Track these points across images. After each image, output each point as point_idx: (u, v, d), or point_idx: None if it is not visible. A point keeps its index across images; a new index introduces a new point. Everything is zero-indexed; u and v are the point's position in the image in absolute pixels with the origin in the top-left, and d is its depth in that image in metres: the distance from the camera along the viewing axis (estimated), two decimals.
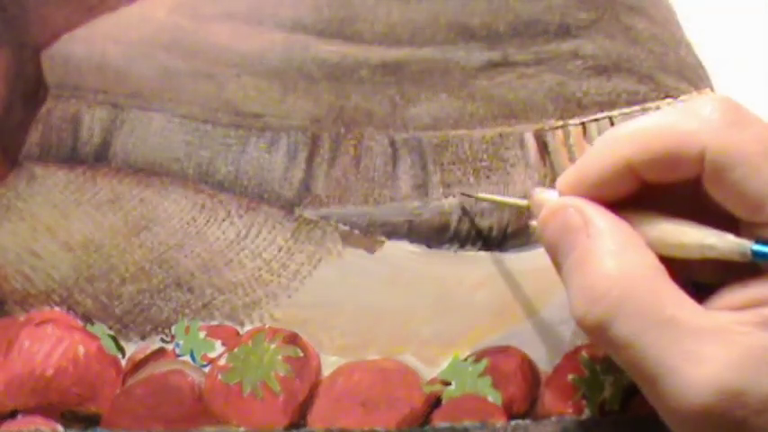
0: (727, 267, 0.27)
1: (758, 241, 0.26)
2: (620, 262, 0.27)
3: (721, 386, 0.24)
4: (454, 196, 0.39)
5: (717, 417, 0.24)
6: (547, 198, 0.32)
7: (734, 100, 0.28)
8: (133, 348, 0.36)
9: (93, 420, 0.35)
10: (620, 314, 0.26)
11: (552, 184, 0.38)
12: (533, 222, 0.32)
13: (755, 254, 0.26)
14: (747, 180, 0.26)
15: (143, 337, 0.37)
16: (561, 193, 0.30)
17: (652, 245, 0.28)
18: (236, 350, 0.36)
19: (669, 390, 0.25)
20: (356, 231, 0.38)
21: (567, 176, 0.30)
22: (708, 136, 0.27)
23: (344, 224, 0.38)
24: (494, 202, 0.38)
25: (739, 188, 0.26)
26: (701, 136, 0.27)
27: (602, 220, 0.28)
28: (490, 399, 0.35)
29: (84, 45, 0.41)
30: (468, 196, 0.38)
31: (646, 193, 0.29)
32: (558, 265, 0.30)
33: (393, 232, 0.38)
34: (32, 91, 0.41)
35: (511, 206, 0.37)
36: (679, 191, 0.29)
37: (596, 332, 0.27)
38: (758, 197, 0.26)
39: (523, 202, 0.34)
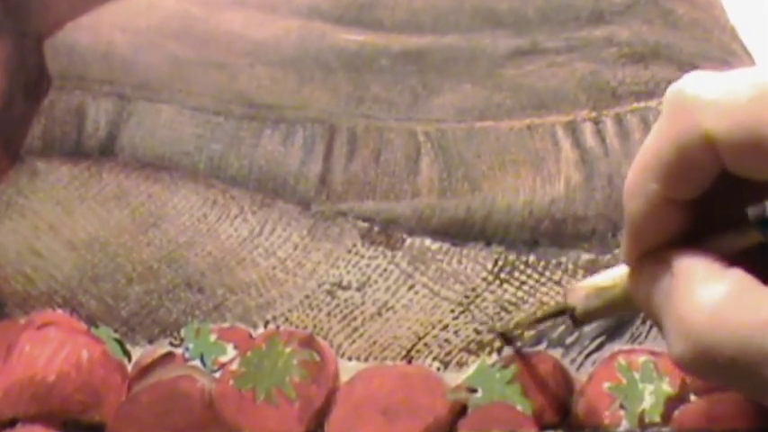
0: None
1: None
2: (707, 289, 0.26)
3: None
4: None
5: None
6: (588, 284, 0.30)
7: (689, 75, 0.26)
8: (140, 352, 0.36)
9: (97, 429, 0.35)
10: (717, 337, 0.25)
11: (585, 177, 0.38)
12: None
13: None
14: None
15: (150, 341, 0.36)
16: (630, 263, 0.29)
17: None
18: (248, 354, 0.36)
19: None
20: (376, 228, 0.38)
21: (627, 247, 0.29)
22: (710, 119, 0.25)
23: (364, 221, 0.38)
24: (535, 323, 0.35)
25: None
26: (702, 122, 0.25)
27: (677, 259, 0.27)
28: (519, 407, 0.34)
29: (90, 34, 0.42)
30: (505, 338, 0.36)
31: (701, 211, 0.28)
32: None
33: (415, 229, 0.38)
34: (35, 82, 0.42)
35: (553, 315, 0.34)
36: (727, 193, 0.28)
37: (701, 366, 0.26)
38: None
39: (561, 304, 0.33)
